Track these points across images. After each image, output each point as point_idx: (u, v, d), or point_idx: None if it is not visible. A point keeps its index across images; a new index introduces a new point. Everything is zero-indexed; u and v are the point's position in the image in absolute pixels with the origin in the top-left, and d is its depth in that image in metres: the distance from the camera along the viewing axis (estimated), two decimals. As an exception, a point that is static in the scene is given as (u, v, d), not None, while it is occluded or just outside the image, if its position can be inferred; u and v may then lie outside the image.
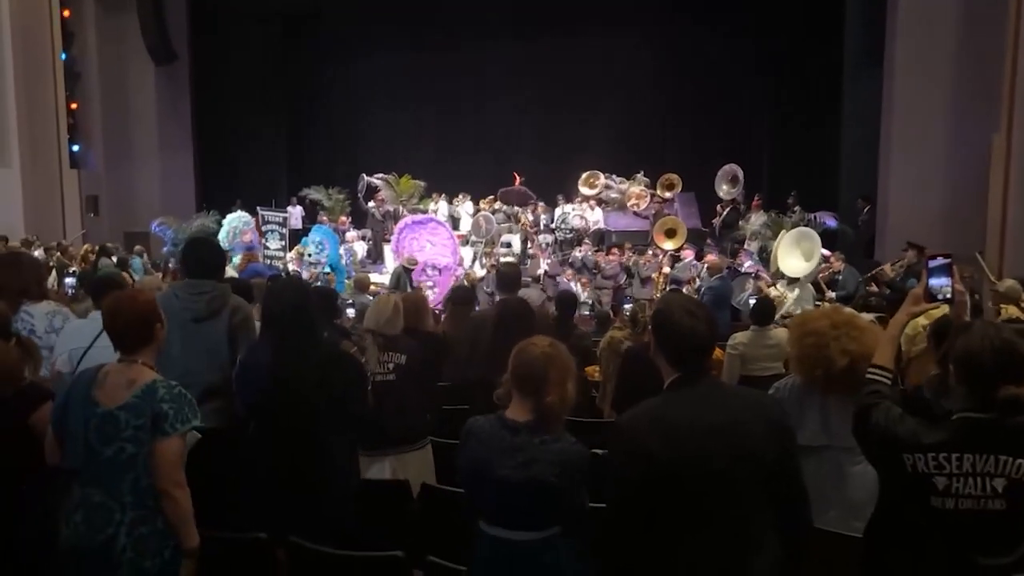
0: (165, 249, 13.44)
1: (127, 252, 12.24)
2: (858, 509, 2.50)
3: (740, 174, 13.98)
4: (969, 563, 2.03)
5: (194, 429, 2.51)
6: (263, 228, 13.68)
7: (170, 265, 11.52)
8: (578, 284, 11.70)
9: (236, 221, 13.48)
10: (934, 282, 2.33)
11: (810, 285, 9.16)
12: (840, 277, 9.81)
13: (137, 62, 16.00)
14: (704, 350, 2.09)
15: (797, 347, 3.02)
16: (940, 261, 2.36)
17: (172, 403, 2.41)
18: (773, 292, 9.00)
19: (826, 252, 10.53)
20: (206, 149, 16.86)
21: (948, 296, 2.33)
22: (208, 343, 3.26)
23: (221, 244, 12.28)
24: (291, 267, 12.50)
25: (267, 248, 13.49)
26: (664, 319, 2.09)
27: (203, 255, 3.46)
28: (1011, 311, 5.82)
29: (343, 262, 12.77)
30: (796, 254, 9.63)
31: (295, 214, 14.93)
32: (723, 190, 14.19)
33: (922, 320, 4.38)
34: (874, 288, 9.80)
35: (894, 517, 2.18)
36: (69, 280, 8.82)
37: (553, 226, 14.72)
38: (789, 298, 8.70)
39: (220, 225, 13.59)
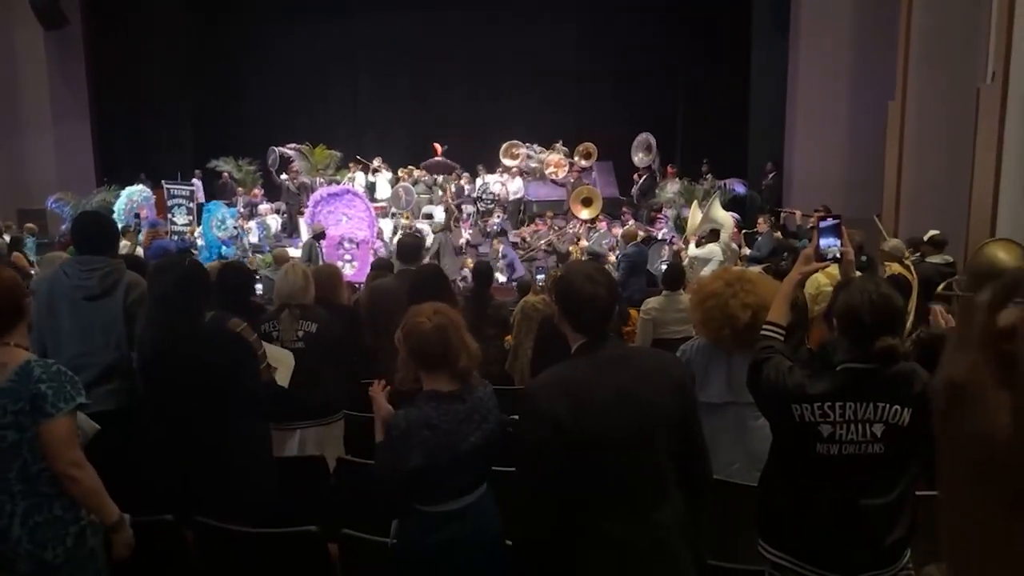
0: (64, 227, 12.70)
1: (19, 231, 11.52)
2: (760, 461, 2.60)
3: (653, 142, 14.34)
4: (851, 504, 2.14)
5: (92, 412, 2.41)
6: (169, 202, 13.08)
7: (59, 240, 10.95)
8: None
9: (135, 195, 12.83)
10: (824, 242, 2.42)
11: (716, 259, 9.01)
12: (760, 238, 10.12)
13: (24, 26, 14.85)
14: (606, 315, 2.10)
15: (700, 312, 3.12)
16: (830, 222, 2.46)
17: (51, 382, 2.26)
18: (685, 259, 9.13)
19: (736, 216, 10.82)
20: (105, 120, 15.88)
21: (837, 256, 2.43)
22: (103, 322, 3.11)
23: (115, 218, 11.77)
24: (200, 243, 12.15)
25: (174, 224, 12.94)
26: (565, 286, 2.09)
27: (93, 230, 3.27)
28: (894, 268, 6.12)
29: (245, 239, 12.51)
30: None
31: (200, 187, 14.35)
32: (638, 158, 14.55)
33: (823, 279, 4.58)
34: (780, 236, 10.16)
35: (784, 465, 2.30)
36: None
37: (475, 196, 14.66)
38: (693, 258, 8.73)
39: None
